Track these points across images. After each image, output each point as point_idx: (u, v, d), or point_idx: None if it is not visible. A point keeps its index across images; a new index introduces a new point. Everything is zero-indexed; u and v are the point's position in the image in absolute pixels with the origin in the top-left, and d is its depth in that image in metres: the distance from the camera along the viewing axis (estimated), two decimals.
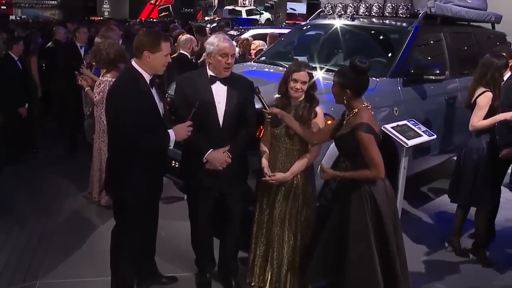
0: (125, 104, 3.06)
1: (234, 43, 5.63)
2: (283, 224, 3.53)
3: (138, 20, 29.34)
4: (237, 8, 29.82)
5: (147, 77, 3.21)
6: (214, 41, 3.42)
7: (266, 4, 32.42)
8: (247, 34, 10.54)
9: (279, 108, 3.43)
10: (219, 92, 3.46)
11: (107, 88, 4.90)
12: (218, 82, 3.46)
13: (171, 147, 3.24)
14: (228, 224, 3.73)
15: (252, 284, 3.68)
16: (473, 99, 4.24)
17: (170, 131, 3.20)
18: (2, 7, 35.12)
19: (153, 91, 3.27)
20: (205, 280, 3.85)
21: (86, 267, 4.10)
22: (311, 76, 3.44)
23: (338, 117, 3.33)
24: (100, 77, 5.09)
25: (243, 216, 3.75)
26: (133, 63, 3.23)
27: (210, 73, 3.48)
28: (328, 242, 3.21)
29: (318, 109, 3.48)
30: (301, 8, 28.44)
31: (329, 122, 3.77)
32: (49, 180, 6.09)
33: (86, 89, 5.28)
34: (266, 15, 29.88)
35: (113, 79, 4.89)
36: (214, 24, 16.03)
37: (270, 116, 3.33)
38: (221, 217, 3.73)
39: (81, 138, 7.23)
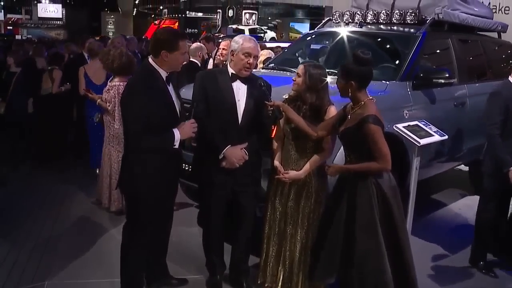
0: (136, 102, 3.04)
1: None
2: (296, 223, 3.48)
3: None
4: (240, 27, 30.03)
5: (163, 74, 3.19)
6: (239, 40, 3.45)
7: (269, 24, 32.70)
8: None
9: (291, 107, 3.41)
10: (240, 90, 3.46)
11: (117, 92, 4.91)
12: (238, 81, 3.46)
13: (176, 146, 3.19)
14: (240, 224, 3.68)
15: (266, 285, 3.63)
16: None
17: (175, 130, 3.16)
18: (8, 27, 35.67)
19: (170, 87, 3.25)
20: (216, 282, 3.79)
21: (94, 268, 4.07)
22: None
23: (339, 111, 3.31)
24: (109, 83, 5.10)
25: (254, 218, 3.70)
26: (150, 60, 3.20)
27: (231, 71, 3.48)
28: (336, 237, 3.17)
29: (333, 108, 3.43)
30: (304, 29, 28.54)
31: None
32: (54, 186, 6.08)
33: (98, 101, 5.28)
34: (271, 34, 30.09)
35: (121, 83, 4.90)
36: (220, 40, 16.12)
37: (272, 108, 3.30)
38: (232, 219, 3.69)
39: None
